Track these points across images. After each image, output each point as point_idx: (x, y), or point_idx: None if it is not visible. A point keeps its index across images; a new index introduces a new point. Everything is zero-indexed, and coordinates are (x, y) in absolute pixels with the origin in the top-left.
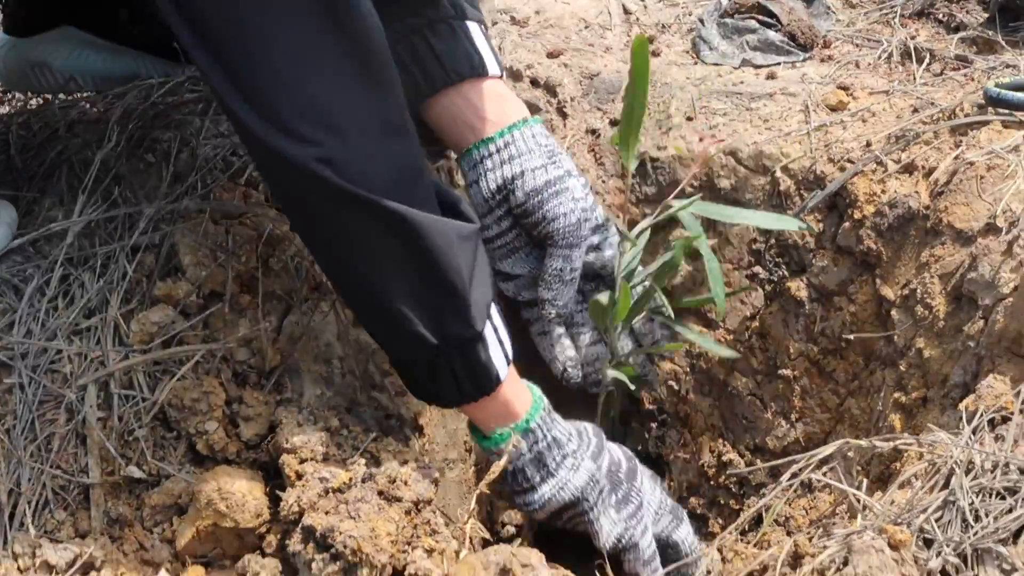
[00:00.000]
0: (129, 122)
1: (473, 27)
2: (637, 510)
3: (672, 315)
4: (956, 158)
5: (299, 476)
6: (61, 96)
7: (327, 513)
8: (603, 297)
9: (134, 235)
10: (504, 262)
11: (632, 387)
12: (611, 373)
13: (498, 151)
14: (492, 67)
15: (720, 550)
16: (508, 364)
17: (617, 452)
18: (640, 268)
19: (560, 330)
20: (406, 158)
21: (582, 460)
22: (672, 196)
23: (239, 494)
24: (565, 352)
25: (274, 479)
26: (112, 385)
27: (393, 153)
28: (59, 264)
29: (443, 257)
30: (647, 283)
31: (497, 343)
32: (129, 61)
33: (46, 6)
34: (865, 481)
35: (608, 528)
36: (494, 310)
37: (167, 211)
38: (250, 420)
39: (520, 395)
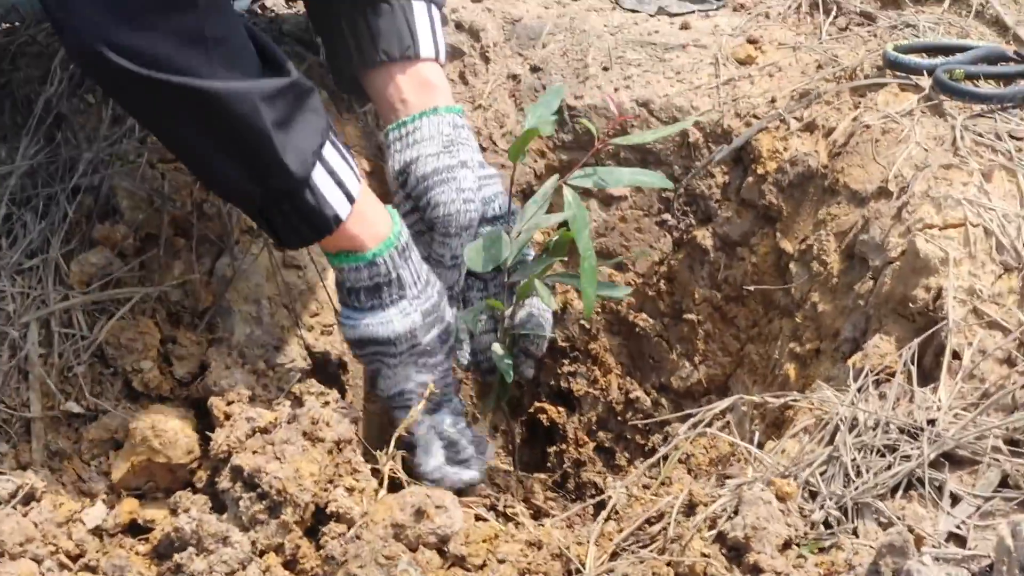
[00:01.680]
0: (70, 63)
1: (419, 7)
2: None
3: (554, 308)
4: (854, 120)
5: (227, 417)
6: (3, 25)
7: (254, 453)
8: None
9: (74, 177)
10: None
11: (508, 376)
12: (496, 350)
13: (406, 135)
14: (425, 50)
15: (627, 488)
16: (351, 201)
17: (452, 329)
18: (530, 253)
19: None
20: (193, 29)
21: (414, 310)
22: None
23: (172, 432)
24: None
25: (205, 417)
26: (53, 323)
27: (176, 26)
28: (2, 204)
29: (241, 120)
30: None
31: (333, 184)
32: None
33: None
34: (760, 428)
35: (394, 382)
36: (330, 151)
37: (106, 154)
38: (183, 359)
39: (371, 228)
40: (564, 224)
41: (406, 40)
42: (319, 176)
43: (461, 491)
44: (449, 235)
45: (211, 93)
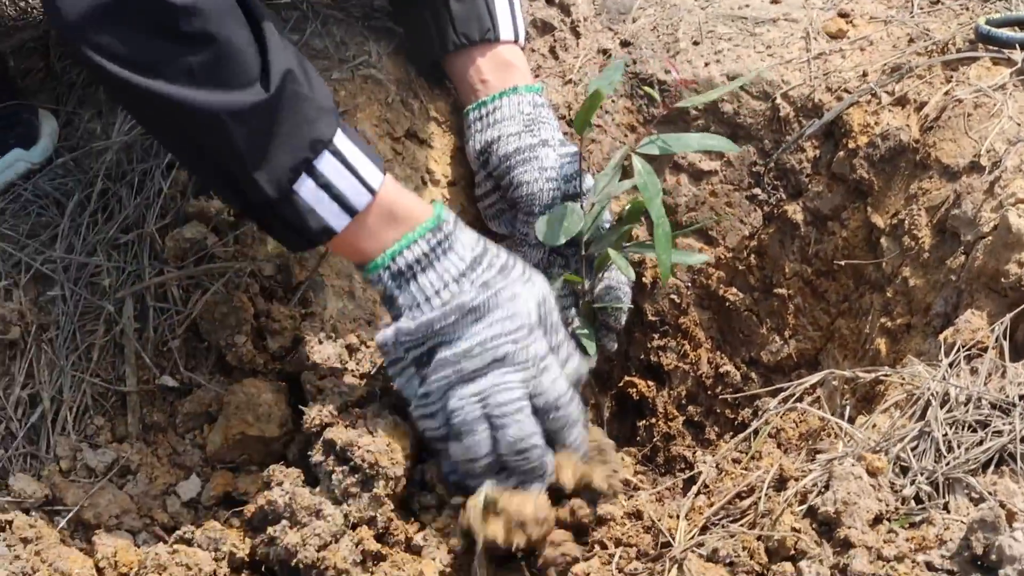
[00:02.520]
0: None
1: None
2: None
3: (631, 277)
4: (946, 94)
5: (319, 391)
6: None
7: (346, 427)
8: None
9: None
10: (492, 222)
11: (590, 349)
12: (577, 324)
13: (486, 115)
14: (505, 32)
15: (717, 464)
16: (351, 214)
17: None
18: (607, 223)
19: None
20: (170, 28)
21: (419, 316)
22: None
23: (265, 405)
24: None
25: (298, 391)
26: (148, 298)
27: (152, 23)
28: (99, 179)
29: (208, 134)
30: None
31: (327, 198)
32: None
33: None
34: (851, 402)
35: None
36: (327, 162)
37: None
38: (276, 334)
39: (367, 243)
40: (636, 190)
41: (486, 23)
42: (306, 191)
43: None
44: (533, 214)
45: (176, 101)
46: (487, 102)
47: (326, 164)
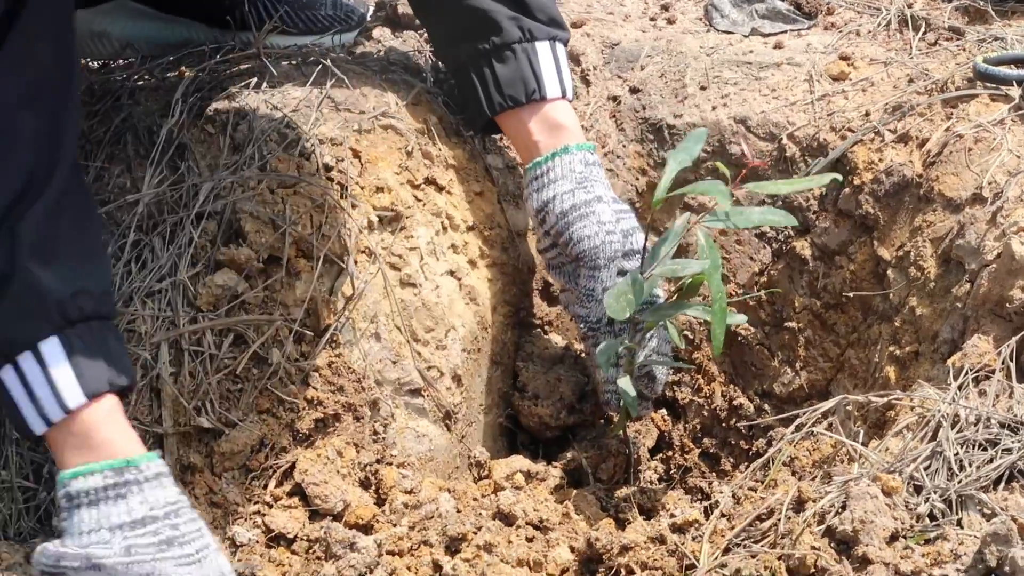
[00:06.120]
0: (189, 96)
1: (542, 48)
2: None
3: (680, 344)
4: (947, 130)
5: None
6: (120, 63)
7: None
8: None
9: (198, 203)
10: (552, 272)
11: (634, 411)
12: (624, 384)
13: (541, 175)
14: (551, 90)
15: (734, 493)
16: (44, 420)
17: None
18: (660, 293)
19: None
20: None
21: (64, 544)
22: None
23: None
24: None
25: None
26: (183, 343)
27: None
28: (131, 231)
29: None
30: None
31: (23, 396)
32: (181, 28)
33: None
34: (863, 429)
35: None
36: (27, 363)
37: (228, 181)
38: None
39: (64, 453)
40: None
41: (531, 84)
42: (10, 381)
43: None
44: (598, 267)
45: None
46: (540, 163)
47: (28, 365)
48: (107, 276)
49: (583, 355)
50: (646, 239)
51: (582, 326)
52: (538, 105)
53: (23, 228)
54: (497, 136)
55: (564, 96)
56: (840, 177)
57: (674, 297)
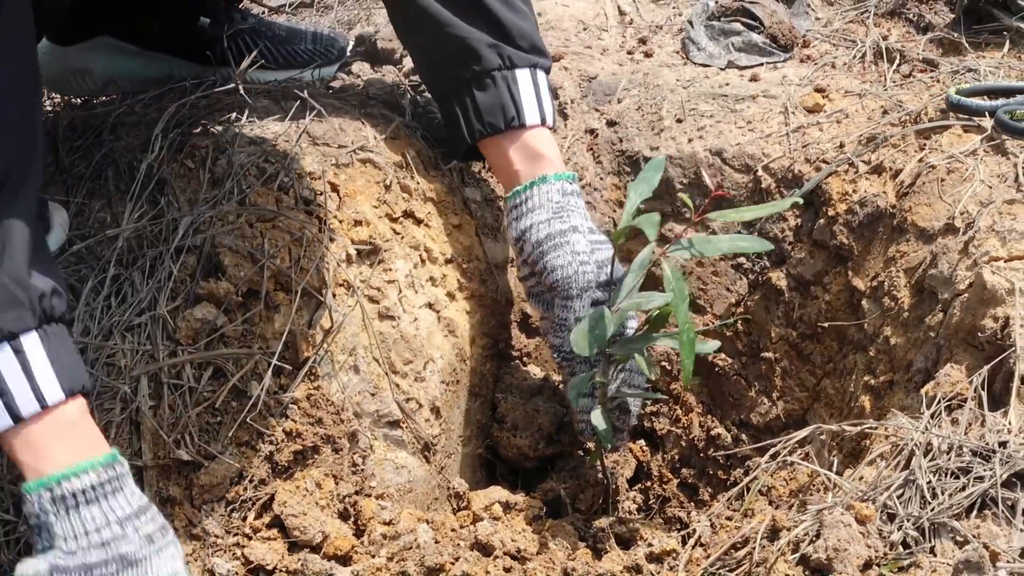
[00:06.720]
0: (170, 131)
1: (523, 75)
2: None
3: (651, 378)
4: (920, 161)
5: None
6: (102, 99)
7: None
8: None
9: (177, 238)
10: (530, 300)
11: (605, 443)
12: (595, 418)
13: (519, 204)
14: (530, 117)
15: (711, 520)
16: (11, 415)
17: None
18: (631, 326)
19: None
20: None
21: (75, 554)
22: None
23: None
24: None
25: None
26: (162, 376)
27: None
28: (111, 265)
29: None
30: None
31: None
32: (163, 65)
33: (86, 20)
34: (838, 457)
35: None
36: (2, 354)
37: (207, 215)
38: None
39: (39, 452)
40: None
41: (510, 111)
42: None
43: None
44: (571, 297)
45: None
46: (519, 191)
47: (4, 356)
48: (63, 280)
49: (561, 386)
50: (612, 270)
51: (556, 356)
52: (517, 133)
53: (12, 219)
54: (476, 168)
55: (544, 123)
56: (801, 200)
57: (644, 329)
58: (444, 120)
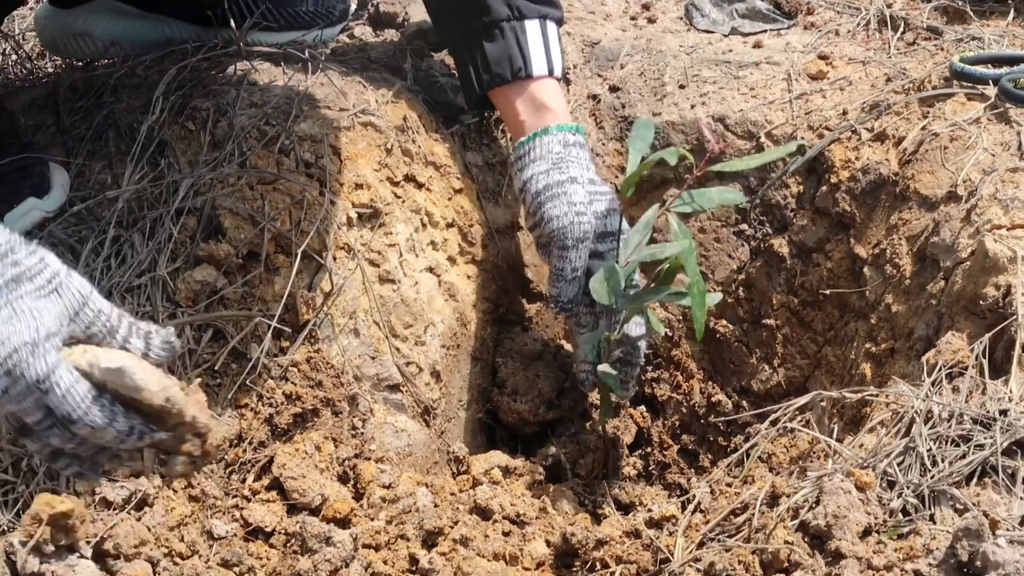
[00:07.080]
0: (171, 93)
1: (531, 26)
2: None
3: (660, 331)
4: (923, 128)
5: None
6: (104, 61)
7: None
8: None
9: (178, 200)
10: (539, 251)
11: (617, 390)
12: (601, 369)
13: (523, 156)
14: (538, 68)
15: (711, 486)
16: None
17: None
18: (637, 280)
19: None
20: None
21: None
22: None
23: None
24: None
25: None
26: None
27: None
28: (111, 226)
29: None
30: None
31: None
32: (164, 27)
33: None
34: (838, 424)
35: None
36: None
37: (208, 177)
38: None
39: None
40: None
41: (517, 62)
42: None
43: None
44: (567, 247)
45: None
46: (523, 143)
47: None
48: None
49: (560, 349)
50: (620, 220)
51: (553, 306)
52: (524, 83)
53: None
54: (477, 134)
55: (552, 74)
56: (805, 143)
57: (650, 284)
58: (457, 71)
